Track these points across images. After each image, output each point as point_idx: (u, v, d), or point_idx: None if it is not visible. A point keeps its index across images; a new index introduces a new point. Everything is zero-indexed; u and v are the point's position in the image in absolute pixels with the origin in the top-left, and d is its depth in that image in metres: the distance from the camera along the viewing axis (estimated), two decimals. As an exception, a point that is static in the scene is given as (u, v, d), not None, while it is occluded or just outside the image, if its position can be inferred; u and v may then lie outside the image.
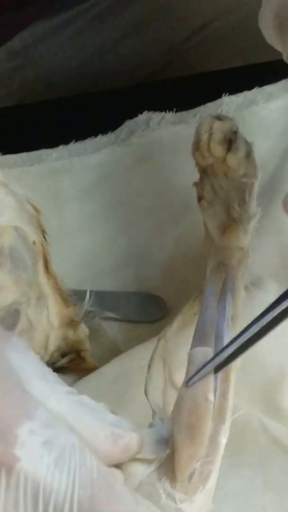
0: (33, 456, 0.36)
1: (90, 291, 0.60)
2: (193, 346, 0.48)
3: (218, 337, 0.49)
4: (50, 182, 0.72)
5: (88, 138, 0.76)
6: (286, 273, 0.63)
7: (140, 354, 0.58)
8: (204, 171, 0.60)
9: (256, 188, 0.58)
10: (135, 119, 0.76)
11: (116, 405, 0.53)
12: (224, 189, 0.59)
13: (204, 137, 0.57)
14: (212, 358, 0.46)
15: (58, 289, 0.57)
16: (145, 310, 0.64)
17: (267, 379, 0.56)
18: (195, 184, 0.61)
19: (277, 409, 0.55)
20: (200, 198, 0.60)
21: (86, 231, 0.70)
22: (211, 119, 0.57)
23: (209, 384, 0.45)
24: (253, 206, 0.58)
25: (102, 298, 0.62)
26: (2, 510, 0.36)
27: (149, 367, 0.51)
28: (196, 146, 0.58)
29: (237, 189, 0.58)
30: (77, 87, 0.86)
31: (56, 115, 0.80)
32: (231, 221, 0.58)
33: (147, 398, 0.49)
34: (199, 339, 0.49)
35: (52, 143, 0.75)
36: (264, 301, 0.59)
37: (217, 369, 0.46)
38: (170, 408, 0.47)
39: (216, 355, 0.45)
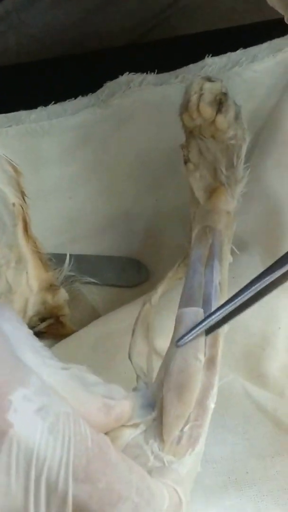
0: (27, 422, 0.35)
1: (69, 255, 0.59)
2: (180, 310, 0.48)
3: (206, 302, 0.48)
4: (29, 143, 0.70)
5: (68, 100, 0.74)
6: (270, 237, 0.62)
7: (120, 317, 0.57)
8: (191, 133, 0.58)
9: (244, 151, 0.57)
10: (115, 81, 0.74)
11: (96, 369, 0.53)
12: (211, 151, 0.58)
13: (194, 97, 0.55)
14: (204, 319, 0.45)
15: (38, 253, 0.56)
16: (125, 274, 0.63)
17: (250, 346, 0.55)
18: (181, 146, 0.59)
19: (261, 375, 0.54)
20: (186, 161, 0.59)
21: (65, 194, 0.68)
22: (201, 80, 0.56)
23: (200, 344, 0.45)
24: (241, 169, 0.57)
25: (81, 262, 0.61)
26: None
27: (133, 331, 0.50)
28: (185, 107, 0.56)
29: (225, 152, 0.56)
30: (58, 49, 0.85)
31: (35, 77, 0.78)
32: (218, 185, 0.57)
33: (131, 362, 0.48)
34: (186, 304, 0.48)
35: (31, 105, 0.73)
36: (248, 265, 0.59)
37: (208, 331, 0.45)
38: (154, 373, 0.46)
39: (208, 316, 0.45)
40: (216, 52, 0.74)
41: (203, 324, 0.44)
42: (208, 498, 0.49)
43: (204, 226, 0.55)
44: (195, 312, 0.46)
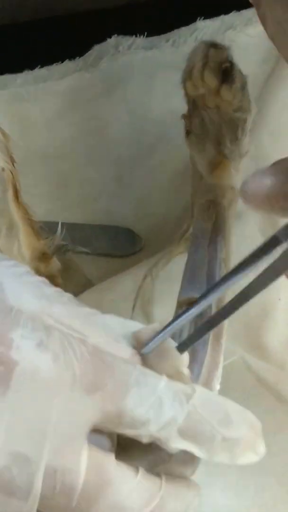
0: (31, 357, 0.35)
1: (61, 224, 0.58)
2: (184, 286, 0.47)
3: (210, 278, 0.47)
4: (14, 108, 0.69)
5: (55, 64, 0.73)
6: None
7: (113, 287, 0.56)
8: (193, 103, 0.56)
9: (249, 124, 0.55)
10: (103, 44, 0.73)
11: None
12: (215, 123, 0.55)
13: (198, 65, 0.53)
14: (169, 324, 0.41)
15: (29, 220, 0.54)
16: (118, 244, 0.61)
17: (249, 317, 0.54)
18: (183, 116, 0.57)
19: (260, 347, 0.53)
20: (188, 132, 0.57)
21: (54, 160, 0.67)
22: (206, 46, 0.53)
23: None
24: (245, 143, 0.55)
25: (74, 231, 0.59)
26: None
27: (133, 305, 0.50)
28: (188, 74, 0.54)
29: (229, 125, 0.54)
30: (44, 11, 0.83)
31: (21, 39, 0.76)
32: (221, 158, 0.55)
33: None
34: (190, 280, 0.47)
35: (16, 69, 0.72)
36: (244, 234, 0.58)
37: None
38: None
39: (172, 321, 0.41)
40: (209, 15, 0.72)
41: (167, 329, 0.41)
42: (210, 474, 0.47)
43: (207, 201, 0.53)
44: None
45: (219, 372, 0.44)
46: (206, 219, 0.52)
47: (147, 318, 0.50)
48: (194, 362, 0.44)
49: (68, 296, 0.40)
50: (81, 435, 0.35)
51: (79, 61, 0.73)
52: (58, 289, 0.40)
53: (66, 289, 0.56)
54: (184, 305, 0.47)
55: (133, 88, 0.70)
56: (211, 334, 0.45)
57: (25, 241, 0.54)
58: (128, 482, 0.36)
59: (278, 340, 0.54)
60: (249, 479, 0.48)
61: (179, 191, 0.64)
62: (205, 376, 0.44)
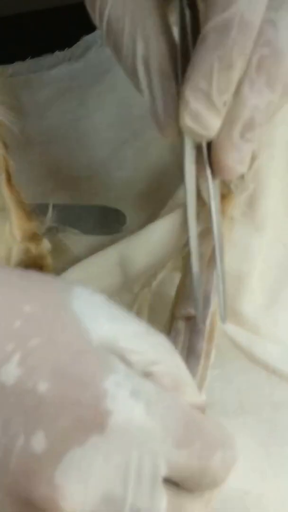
0: (124, 408, 0.35)
1: (49, 205, 0.61)
2: (182, 302, 0.52)
3: (206, 299, 0.52)
4: (7, 97, 0.71)
5: (45, 55, 0.76)
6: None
7: (98, 262, 0.59)
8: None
9: (255, 164, 0.59)
10: (92, 34, 0.75)
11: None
12: None
13: None
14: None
15: (20, 203, 0.57)
16: (105, 223, 0.65)
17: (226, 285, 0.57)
18: None
19: (236, 314, 0.57)
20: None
21: (44, 146, 0.70)
22: None
23: None
24: (249, 180, 0.59)
25: (63, 212, 0.62)
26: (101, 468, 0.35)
27: None
28: None
29: None
30: (34, 2, 0.85)
31: (11, 31, 0.79)
32: (227, 191, 0.58)
33: None
34: (186, 300, 0.52)
35: (7, 60, 0.75)
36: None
37: None
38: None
39: None
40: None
41: None
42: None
43: (207, 228, 0.55)
44: None
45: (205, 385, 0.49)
46: (206, 244, 0.55)
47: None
48: None
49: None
50: (160, 477, 0.36)
51: (68, 52, 0.76)
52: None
53: (55, 268, 0.60)
54: (181, 320, 0.52)
55: (120, 76, 0.72)
56: (203, 351, 0.50)
57: (16, 222, 0.57)
58: None
59: (253, 306, 0.57)
60: None
61: (163, 173, 0.67)
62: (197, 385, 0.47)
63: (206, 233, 0.55)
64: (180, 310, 0.52)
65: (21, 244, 0.58)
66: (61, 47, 0.76)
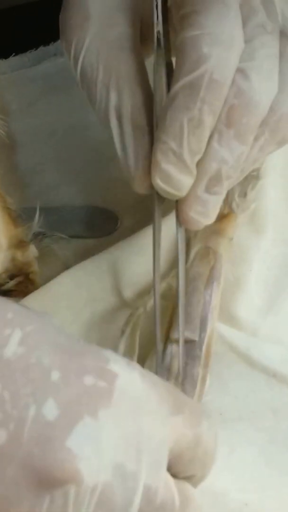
0: (127, 371, 0.36)
1: (38, 209, 0.59)
2: (178, 325, 0.50)
3: (202, 322, 0.51)
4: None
5: (29, 51, 0.74)
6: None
7: (89, 269, 0.57)
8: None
9: (259, 184, 0.58)
10: (77, 28, 0.73)
11: (64, 322, 0.53)
12: None
13: None
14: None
15: (7, 209, 0.56)
16: (94, 225, 0.62)
17: (222, 290, 0.55)
18: None
19: (233, 317, 0.55)
20: None
21: (30, 146, 0.68)
22: None
23: None
24: (251, 200, 0.58)
25: (50, 215, 0.60)
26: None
27: (122, 332, 0.53)
28: None
29: (242, 180, 0.54)
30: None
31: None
32: (228, 210, 0.57)
33: None
34: (184, 320, 0.50)
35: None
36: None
37: None
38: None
39: None
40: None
41: None
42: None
43: (206, 247, 0.55)
44: None
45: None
46: (204, 263, 0.54)
47: (135, 348, 0.53)
48: None
49: None
50: (166, 454, 0.36)
51: (52, 47, 0.74)
52: None
53: (42, 275, 0.58)
54: (176, 343, 0.50)
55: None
56: (199, 377, 0.49)
57: (2, 229, 0.55)
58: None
59: (250, 309, 0.55)
60: (221, 444, 0.47)
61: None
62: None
63: (204, 253, 0.54)
64: (174, 333, 0.51)
65: (7, 252, 0.57)
66: (46, 43, 0.74)
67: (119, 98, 0.45)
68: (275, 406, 0.51)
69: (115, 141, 0.46)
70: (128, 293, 0.56)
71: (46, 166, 0.66)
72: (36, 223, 0.58)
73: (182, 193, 0.44)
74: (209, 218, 0.46)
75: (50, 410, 0.34)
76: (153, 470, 0.35)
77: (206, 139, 0.43)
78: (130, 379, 0.36)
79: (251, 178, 0.58)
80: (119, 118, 0.45)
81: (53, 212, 0.62)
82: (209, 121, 0.42)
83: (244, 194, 0.58)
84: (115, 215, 0.63)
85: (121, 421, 0.35)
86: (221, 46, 0.41)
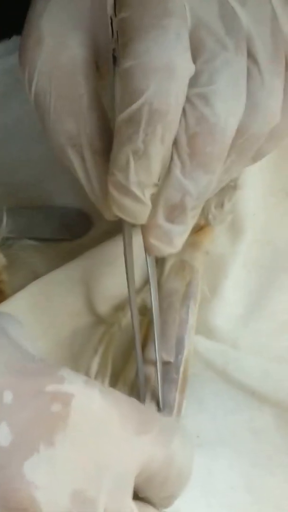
0: (82, 390, 0.35)
1: (5, 212, 0.55)
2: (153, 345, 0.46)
3: (179, 342, 0.48)
4: None
5: (1, 42, 0.70)
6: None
7: (59, 279, 0.53)
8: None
9: (236, 195, 0.54)
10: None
11: (33, 334, 0.50)
12: None
13: None
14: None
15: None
16: (66, 227, 0.58)
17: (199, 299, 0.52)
18: None
19: (210, 329, 0.51)
20: None
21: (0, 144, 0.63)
22: None
23: None
24: (228, 211, 0.54)
25: (18, 218, 0.56)
26: None
27: (95, 351, 0.51)
28: None
29: (219, 191, 0.50)
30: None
31: None
32: (204, 222, 0.54)
33: None
34: (159, 339, 0.46)
35: None
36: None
37: None
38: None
39: None
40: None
41: None
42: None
43: (181, 260, 0.51)
44: None
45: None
46: (179, 278, 0.51)
47: (106, 368, 0.49)
48: None
49: None
50: (132, 477, 0.35)
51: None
52: None
53: (12, 285, 0.54)
54: (151, 364, 0.47)
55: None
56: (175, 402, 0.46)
57: None
58: None
59: (227, 319, 0.51)
60: (200, 467, 0.45)
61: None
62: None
63: (179, 267, 0.51)
64: (149, 353, 0.48)
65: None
66: (18, 32, 0.70)
67: (76, 126, 0.41)
68: (255, 426, 0.47)
69: (77, 170, 0.42)
70: (102, 306, 0.52)
71: (16, 164, 0.62)
72: (5, 226, 0.54)
73: (140, 221, 0.41)
74: (174, 247, 0.42)
75: (4, 435, 0.33)
76: (115, 496, 0.34)
77: (156, 171, 0.39)
78: (87, 399, 0.34)
79: (228, 189, 0.54)
80: (77, 147, 0.42)
81: (23, 213, 0.58)
82: (156, 153, 0.38)
83: (221, 205, 0.54)
84: (90, 216, 0.59)
85: (79, 444, 0.34)
86: (159, 74, 0.37)
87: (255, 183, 0.57)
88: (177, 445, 0.37)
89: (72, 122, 0.41)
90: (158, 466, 0.36)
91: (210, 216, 0.54)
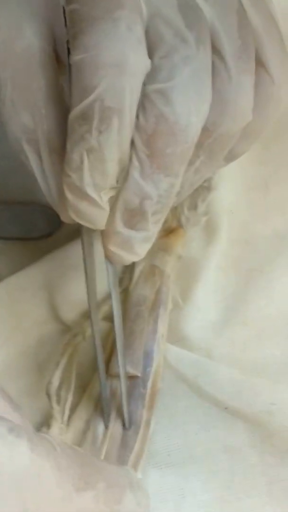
0: (6, 444, 0.29)
1: None
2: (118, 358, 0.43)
3: (147, 355, 0.45)
4: None
5: None
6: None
7: (19, 283, 0.50)
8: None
9: (210, 196, 0.50)
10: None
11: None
12: None
13: None
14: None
15: None
16: (33, 225, 0.54)
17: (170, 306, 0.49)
18: None
19: (182, 338, 0.47)
20: None
21: None
22: None
23: None
24: (201, 214, 0.51)
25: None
26: None
27: (57, 363, 0.47)
28: None
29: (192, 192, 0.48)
30: None
31: None
32: (176, 225, 0.50)
33: (49, 399, 0.45)
34: (124, 351, 0.43)
35: None
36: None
37: None
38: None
39: None
40: None
41: None
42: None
43: (152, 265, 0.48)
44: None
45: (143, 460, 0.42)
46: (149, 285, 0.47)
47: (68, 382, 0.46)
48: (124, 448, 0.42)
49: None
50: None
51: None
52: None
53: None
54: (116, 378, 0.44)
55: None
56: (142, 420, 0.43)
57: None
58: None
59: (200, 326, 0.48)
60: (171, 488, 0.42)
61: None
62: (133, 462, 0.42)
63: (149, 273, 0.47)
64: (114, 366, 0.44)
65: None
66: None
67: (32, 120, 0.37)
68: (229, 444, 0.43)
69: (33, 168, 0.39)
70: (66, 313, 0.49)
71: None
72: None
73: (98, 227, 0.38)
74: (136, 255, 0.39)
75: None
76: None
77: (112, 173, 0.36)
78: (11, 452, 0.29)
79: (202, 190, 0.50)
80: (34, 143, 0.38)
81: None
82: (112, 153, 0.35)
83: (194, 207, 0.50)
84: (56, 214, 0.55)
85: (1, 507, 0.29)
86: (109, 69, 0.34)
87: (234, 176, 0.53)
88: (129, 503, 0.33)
89: (28, 116, 0.37)
90: None
91: (182, 219, 0.50)
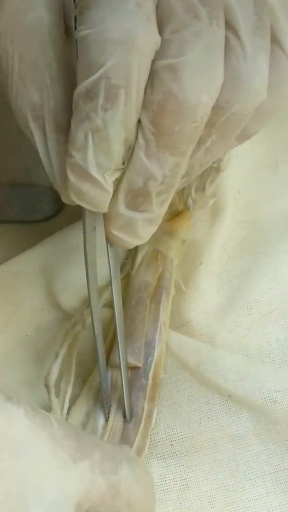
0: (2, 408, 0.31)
1: None
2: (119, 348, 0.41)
3: (148, 344, 0.43)
4: None
5: None
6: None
7: (17, 268, 0.48)
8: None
9: (219, 178, 0.48)
10: None
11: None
12: None
13: None
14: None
15: None
16: (34, 207, 0.53)
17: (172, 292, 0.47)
18: None
19: (185, 323, 0.45)
20: None
21: None
22: None
23: None
24: (209, 195, 0.48)
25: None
26: None
27: (56, 354, 0.45)
28: None
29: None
30: None
31: None
32: (182, 207, 0.48)
33: (47, 390, 0.44)
34: (126, 340, 0.42)
35: None
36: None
37: None
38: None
39: None
40: None
41: None
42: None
43: (155, 250, 0.46)
44: None
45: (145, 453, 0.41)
46: (152, 270, 0.45)
47: (69, 373, 0.44)
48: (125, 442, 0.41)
49: None
50: (70, 509, 0.30)
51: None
52: None
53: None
54: (117, 368, 0.42)
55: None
56: (144, 412, 0.42)
57: None
58: None
59: (204, 311, 0.46)
60: (175, 478, 0.41)
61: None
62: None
63: (152, 258, 0.46)
64: (115, 357, 0.42)
65: None
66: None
67: (39, 96, 0.36)
68: (233, 433, 0.42)
69: (38, 146, 0.37)
70: (65, 300, 0.47)
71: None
72: None
73: (101, 209, 0.36)
74: (140, 239, 0.37)
75: None
76: None
77: (118, 153, 0.34)
78: (9, 419, 0.30)
79: (211, 171, 0.48)
80: (40, 119, 0.36)
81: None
82: (117, 132, 0.34)
83: (202, 189, 0.48)
84: (58, 196, 0.53)
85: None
86: (117, 46, 0.32)
87: (244, 154, 0.51)
88: (125, 474, 0.32)
89: (35, 91, 0.36)
90: (101, 496, 0.31)
91: (189, 201, 0.48)
